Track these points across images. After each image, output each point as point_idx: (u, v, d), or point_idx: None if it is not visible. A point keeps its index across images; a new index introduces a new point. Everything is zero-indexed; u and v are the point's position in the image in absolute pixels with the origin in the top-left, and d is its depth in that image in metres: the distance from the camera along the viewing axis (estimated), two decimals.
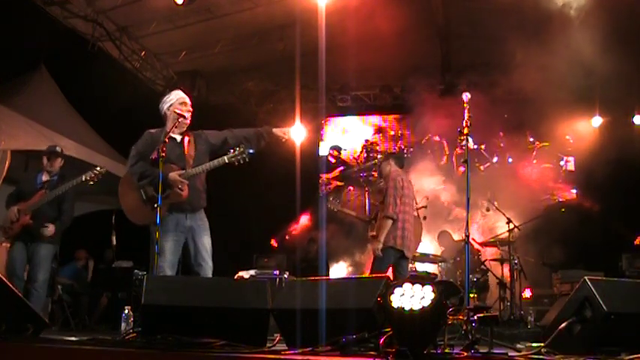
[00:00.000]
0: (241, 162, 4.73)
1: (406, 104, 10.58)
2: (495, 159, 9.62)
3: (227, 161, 4.76)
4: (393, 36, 8.31)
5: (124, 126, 9.49)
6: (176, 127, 4.86)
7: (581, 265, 8.39)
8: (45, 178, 6.12)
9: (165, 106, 4.98)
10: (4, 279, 4.13)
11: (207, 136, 5.06)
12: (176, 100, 4.96)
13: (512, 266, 7.45)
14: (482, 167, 9.59)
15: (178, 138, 4.94)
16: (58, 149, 6.27)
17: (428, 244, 9.03)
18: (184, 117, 4.92)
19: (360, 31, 8.19)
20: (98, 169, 5.91)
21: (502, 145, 10.46)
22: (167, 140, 4.73)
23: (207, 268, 4.93)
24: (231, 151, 4.77)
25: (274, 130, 5.14)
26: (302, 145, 9.96)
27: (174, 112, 4.89)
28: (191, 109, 5.00)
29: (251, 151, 4.74)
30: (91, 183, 5.80)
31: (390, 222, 6.24)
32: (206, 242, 4.94)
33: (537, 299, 8.46)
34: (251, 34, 9.64)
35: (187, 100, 5.01)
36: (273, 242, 10.62)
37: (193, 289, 3.87)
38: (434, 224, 9.25)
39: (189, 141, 4.97)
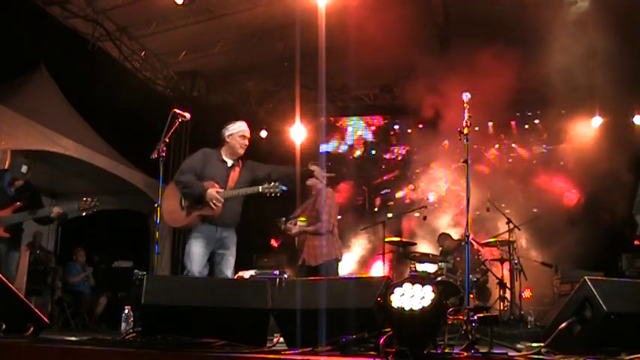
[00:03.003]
0: (272, 195, 5.08)
1: (406, 104, 10.55)
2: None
3: (260, 191, 5.10)
4: (393, 36, 8.30)
5: (124, 126, 9.50)
6: (230, 153, 5.32)
7: (581, 265, 8.38)
8: (13, 187, 5.87)
9: (227, 133, 5.35)
10: (3, 279, 4.13)
11: (255, 167, 5.44)
12: (237, 132, 5.34)
13: (512, 266, 7.45)
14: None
15: (229, 162, 5.34)
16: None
17: (429, 245, 9.03)
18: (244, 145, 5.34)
19: (360, 31, 8.17)
20: (88, 200, 5.78)
21: (502, 145, 10.46)
22: (220, 161, 5.30)
23: None
24: (267, 183, 5.10)
25: (316, 173, 5.90)
26: (302, 145, 9.99)
27: (233, 141, 5.30)
28: (247, 143, 5.38)
29: (284, 188, 5.08)
30: (83, 214, 5.77)
31: (330, 236, 6.42)
32: (230, 257, 5.32)
33: (537, 299, 8.46)
34: (251, 34, 9.62)
35: (248, 134, 5.40)
36: (273, 242, 10.60)
37: (193, 289, 3.88)
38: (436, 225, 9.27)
39: (237, 169, 5.35)
